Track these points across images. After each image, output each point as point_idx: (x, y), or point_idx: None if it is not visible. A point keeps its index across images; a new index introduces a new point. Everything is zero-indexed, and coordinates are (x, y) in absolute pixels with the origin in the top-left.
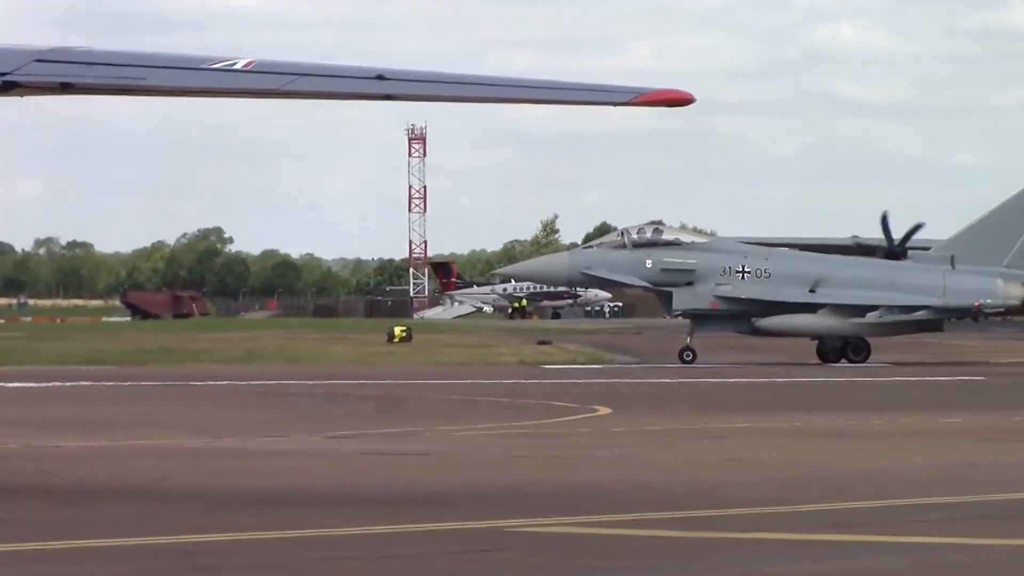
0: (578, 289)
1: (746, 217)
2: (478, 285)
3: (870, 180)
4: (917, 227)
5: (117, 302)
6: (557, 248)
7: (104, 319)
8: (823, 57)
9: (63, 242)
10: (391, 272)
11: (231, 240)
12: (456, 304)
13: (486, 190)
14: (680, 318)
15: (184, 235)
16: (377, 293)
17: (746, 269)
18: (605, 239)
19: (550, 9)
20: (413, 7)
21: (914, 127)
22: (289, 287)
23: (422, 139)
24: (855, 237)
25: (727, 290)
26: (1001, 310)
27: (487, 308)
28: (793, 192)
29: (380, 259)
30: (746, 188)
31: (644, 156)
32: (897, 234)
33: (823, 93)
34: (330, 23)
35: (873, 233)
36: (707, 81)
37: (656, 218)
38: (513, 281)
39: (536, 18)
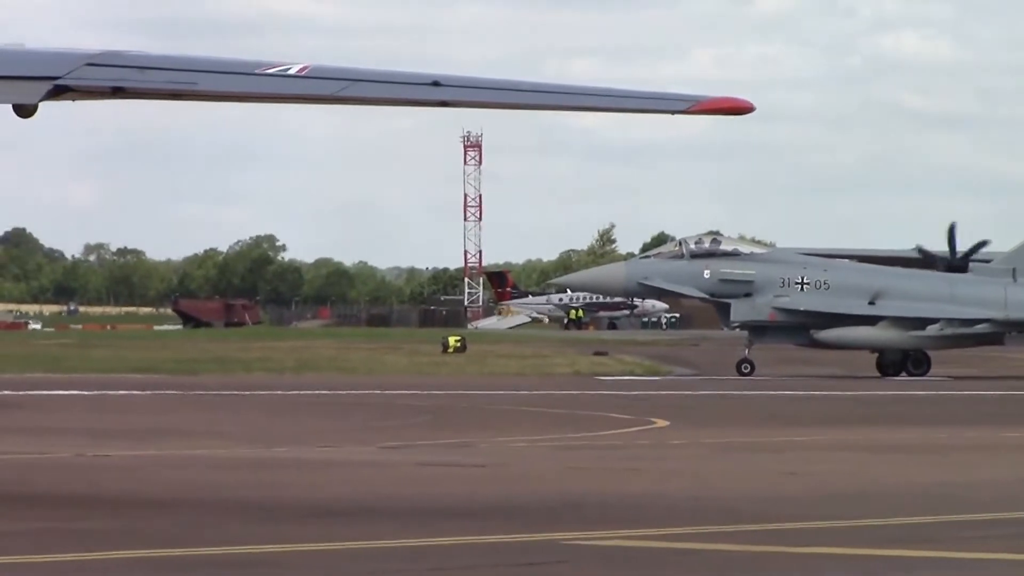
0: (635, 300)
1: (805, 228)
2: (533, 295)
3: (931, 191)
4: (982, 244)
5: (168, 310)
6: (613, 258)
7: (155, 327)
8: (886, 66)
9: (113, 249)
10: (445, 281)
11: (284, 248)
12: (507, 314)
13: (542, 199)
14: (738, 330)
15: (237, 242)
16: (431, 302)
17: (805, 280)
18: (662, 249)
19: (608, 16)
20: (469, 14)
21: (976, 138)
22: (342, 296)
23: (478, 147)
24: (918, 247)
25: (786, 302)
26: None
27: (542, 318)
28: (854, 203)
29: (435, 268)
30: (806, 198)
31: (703, 165)
32: (961, 247)
33: (885, 103)
34: (386, 29)
35: (934, 245)
36: (768, 90)
37: (714, 228)
38: (569, 291)
39: (594, 25)
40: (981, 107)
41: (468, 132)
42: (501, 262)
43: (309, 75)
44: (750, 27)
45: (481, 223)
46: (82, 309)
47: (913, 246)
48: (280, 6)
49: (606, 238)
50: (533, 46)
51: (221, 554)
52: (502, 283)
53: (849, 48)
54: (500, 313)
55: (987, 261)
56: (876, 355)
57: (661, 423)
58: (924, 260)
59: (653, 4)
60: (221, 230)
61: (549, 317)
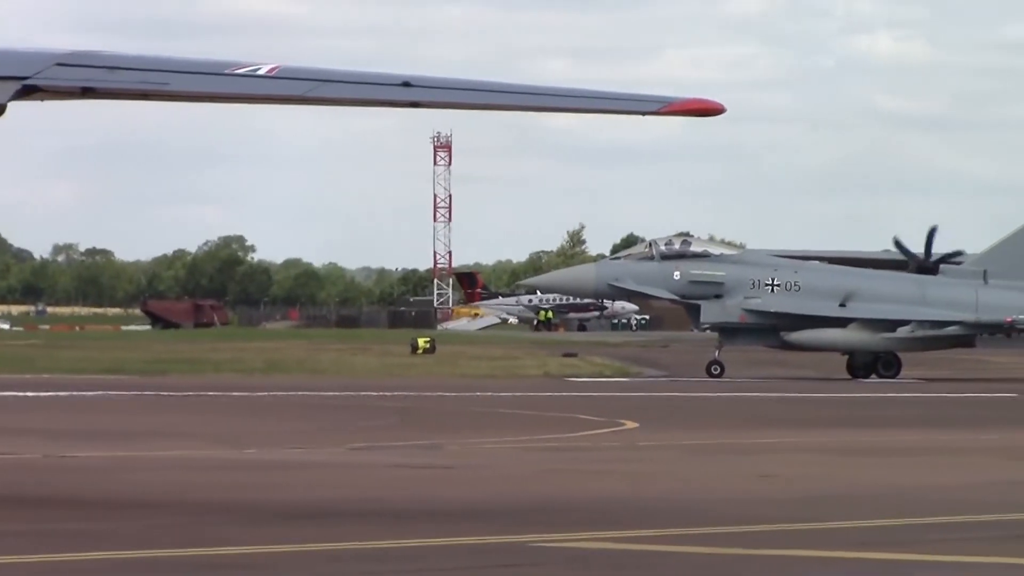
0: (604, 301)
1: (777, 229)
2: (503, 296)
3: (903, 193)
4: (956, 253)
5: (137, 310)
6: (583, 259)
7: (124, 328)
8: (859, 67)
9: (82, 249)
10: (415, 282)
11: (253, 248)
12: (481, 315)
13: (512, 199)
14: (708, 331)
15: (206, 243)
16: (401, 304)
17: (776, 282)
18: (633, 250)
19: (581, 17)
20: (442, 14)
21: (949, 139)
22: (312, 297)
23: (448, 147)
24: (895, 239)
25: (756, 303)
26: None
27: (512, 319)
28: (825, 204)
29: (404, 269)
30: (777, 199)
31: (673, 166)
32: (937, 251)
33: (858, 104)
34: (359, 30)
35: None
36: (741, 91)
37: (684, 229)
38: (539, 292)
39: (567, 26)
40: (954, 108)
41: (438, 133)
42: (471, 263)
43: (279, 76)
44: (723, 28)
45: (451, 224)
46: (50, 310)
47: (883, 248)
48: (252, 6)
49: (576, 239)
50: (506, 47)
51: (191, 556)
52: (472, 284)
53: (822, 49)
54: (454, 315)
55: (958, 263)
56: (847, 357)
57: (631, 425)
58: (901, 252)
59: (626, 5)
60: (190, 231)
61: (519, 318)
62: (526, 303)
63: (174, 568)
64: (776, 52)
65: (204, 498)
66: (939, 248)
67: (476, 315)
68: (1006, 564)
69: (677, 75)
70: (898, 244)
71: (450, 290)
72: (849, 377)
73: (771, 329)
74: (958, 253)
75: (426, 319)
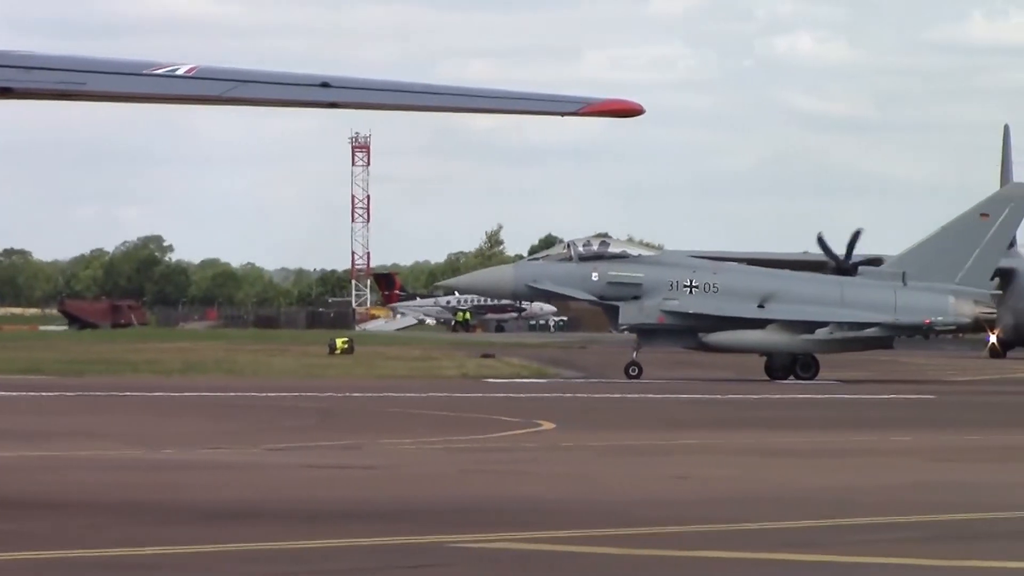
0: (523, 302)
1: (696, 230)
2: (421, 297)
3: (823, 194)
4: (876, 259)
5: (54, 311)
6: (502, 260)
7: (41, 328)
8: (780, 68)
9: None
10: (333, 283)
11: (171, 249)
12: (399, 316)
13: (430, 200)
14: (626, 333)
15: (124, 243)
16: (319, 304)
17: (694, 283)
18: (551, 252)
19: (504, 18)
20: (364, 15)
21: (870, 141)
22: (230, 297)
23: (366, 148)
24: (806, 252)
25: (674, 305)
26: (952, 328)
27: (430, 320)
28: (745, 205)
29: (322, 270)
30: (697, 201)
31: (592, 167)
32: (839, 249)
33: (778, 105)
34: (280, 30)
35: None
36: (662, 91)
37: (603, 230)
38: (457, 293)
39: (489, 27)
40: (875, 110)
41: (356, 133)
42: (389, 264)
43: (197, 76)
44: (643, 29)
45: (369, 225)
46: None
47: (802, 250)
48: (172, 7)
49: (494, 240)
50: (427, 48)
51: (107, 556)
52: (390, 285)
53: (742, 50)
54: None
55: (877, 264)
56: (765, 359)
57: (548, 426)
58: (823, 250)
59: (548, 5)
60: (108, 231)
61: (436, 319)
62: (444, 304)
63: (87, 568)
64: (696, 53)
65: (119, 498)
66: (860, 252)
67: (387, 317)
68: (923, 566)
69: (597, 76)
70: (821, 242)
71: (368, 291)
72: (767, 379)
73: (689, 330)
74: (877, 260)
75: (344, 320)
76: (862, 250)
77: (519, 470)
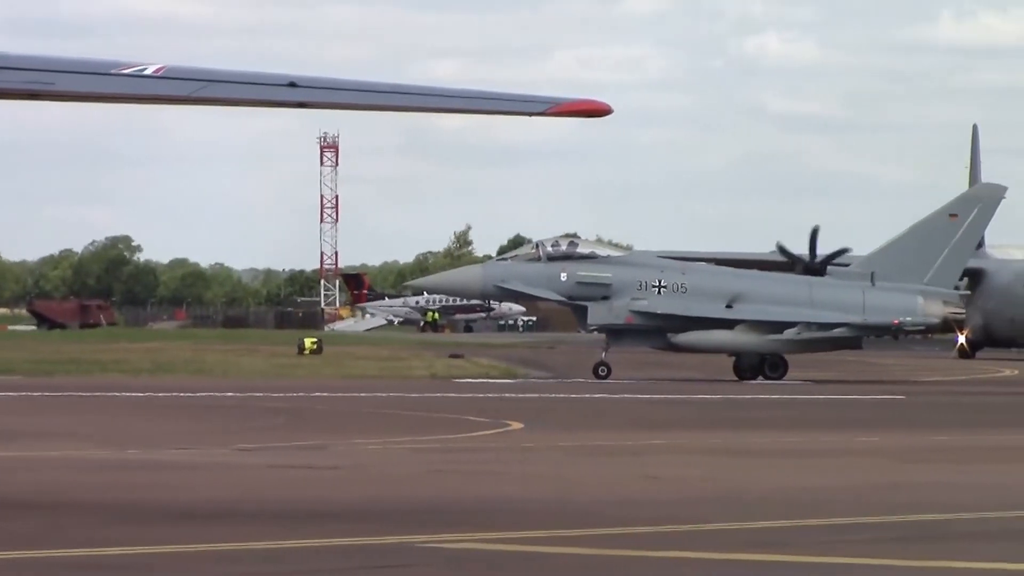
0: (491, 302)
1: (665, 231)
2: (390, 297)
3: (793, 194)
4: (842, 251)
5: (23, 311)
6: (470, 260)
7: (10, 328)
8: (751, 69)
9: None
10: (302, 283)
11: (140, 249)
12: (368, 316)
13: (399, 200)
14: (595, 333)
15: (92, 243)
16: (287, 304)
17: (663, 284)
18: (519, 252)
19: (473, 18)
20: (334, 15)
21: (840, 141)
22: (198, 297)
23: (335, 148)
24: (778, 244)
25: (643, 305)
26: (921, 328)
27: (397, 320)
28: (715, 206)
29: (291, 270)
30: (666, 201)
31: (561, 167)
32: (822, 252)
33: (748, 105)
34: (250, 30)
35: (795, 248)
36: (630, 92)
37: (571, 231)
38: (425, 293)
39: (458, 26)
40: (844, 110)
41: (325, 133)
42: (357, 264)
43: (165, 76)
44: (612, 29)
45: (337, 225)
46: None
47: (771, 250)
48: (141, 7)
49: (463, 240)
50: (397, 47)
51: (77, 556)
52: (358, 285)
53: (712, 50)
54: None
55: (846, 265)
56: (733, 359)
57: (516, 426)
58: (784, 256)
59: (518, 5)
60: (77, 231)
61: (405, 319)
62: (413, 304)
63: (57, 569)
64: (666, 53)
65: (88, 499)
66: (823, 247)
67: (350, 316)
68: (892, 566)
69: (566, 76)
70: (782, 249)
71: (337, 291)
72: (736, 379)
73: (658, 331)
74: (844, 251)
75: (313, 320)
76: (826, 246)
77: (488, 470)
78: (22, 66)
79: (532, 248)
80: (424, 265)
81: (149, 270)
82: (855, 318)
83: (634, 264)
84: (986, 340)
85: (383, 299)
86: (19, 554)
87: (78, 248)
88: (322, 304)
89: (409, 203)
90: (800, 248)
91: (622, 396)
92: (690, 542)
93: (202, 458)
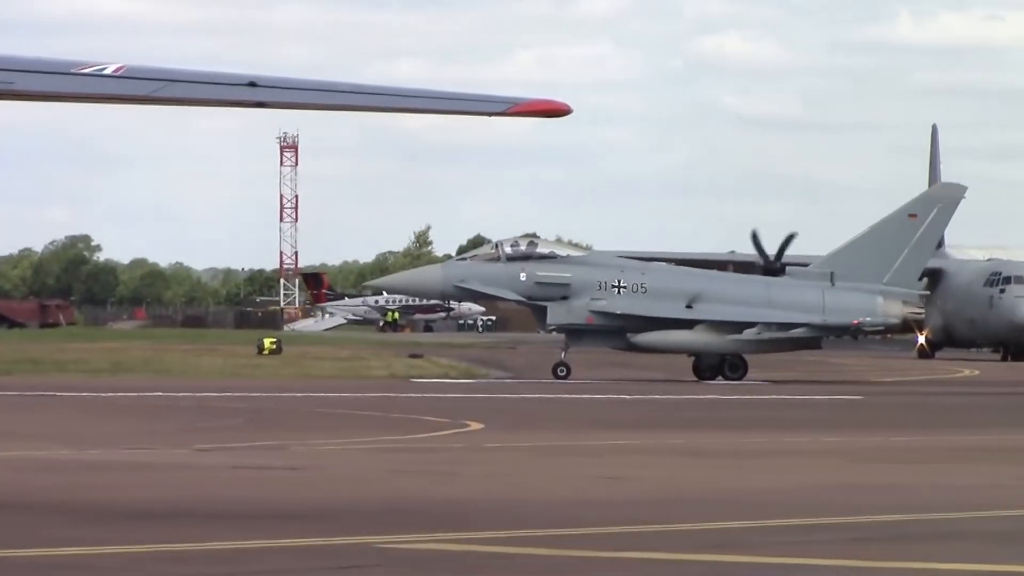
0: (451, 302)
1: (625, 231)
2: (349, 297)
3: (752, 194)
4: (790, 238)
5: None
6: (430, 260)
7: None
8: (708, 69)
9: None
10: (261, 283)
11: (99, 248)
12: (327, 316)
13: (359, 200)
14: (554, 333)
15: (52, 242)
16: (247, 304)
17: (622, 284)
18: (479, 252)
19: (433, 17)
20: (293, 14)
21: (798, 141)
22: (158, 297)
23: (294, 148)
24: (733, 252)
25: (602, 305)
26: (881, 328)
27: (355, 319)
28: (675, 206)
29: (251, 269)
30: (626, 201)
31: (520, 167)
32: (771, 249)
33: (707, 105)
34: (208, 29)
35: (754, 251)
36: (590, 92)
37: (531, 231)
38: (385, 293)
39: (418, 26)
40: (804, 110)
41: (284, 133)
42: (317, 263)
43: (125, 75)
44: (572, 29)
45: (297, 224)
46: None
47: (729, 250)
48: (100, 6)
49: (423, 240)
50: (357, 47)
51: (36, 556)
52: (318, 285)
53: (671, 50)
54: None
55: (805, 264)
56: (693, 359)
57: (476, 426)
58: (755, 247)
59: (477, 5)
60: (36, 230)
61: (365, 319)
62: (372, 304)
63: (15, 568)
64: (625, 53)
65: (47, 499)
66: (790, 254)
67: (300, 315)
68: (850, 567)
69: (526, 76)
70: (755, 240)
71: (296, 291)
72: (695, 379)
73: (618, 331)
74: (791, 237)
75: (272, 320)
76: (792, 252)
77: (447, 471)
78: None
79: (492, 248)
80: (384, 265)
81: (109, 269)
82: (815, 318)
83: (593, 264)
84: (946, 340)
85: (343, 299)
86: None
87: (38, 247)
88: (282, 304)
89: (369, 203)
90: (766, 253)
91: (582, 396)
92: (650, 543)
93: (161, 458)
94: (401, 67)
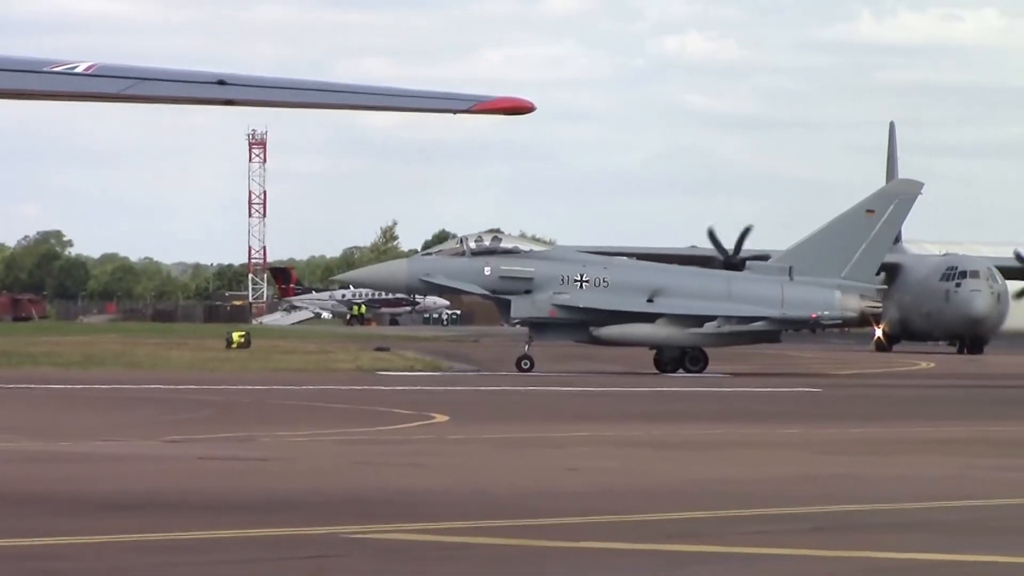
0: (416, 296)
1: (588, 227)
2: (317, 291)
3: (713, 191)
4: (747, 230)
5: None
6: (396, 255)
7: None
8: (670, 67)
9: None
10: (230, 277)
11: (71, 243)
12: (294, 311)
13: (326, 196)
14: (518, 326)
15: (24, 238)
16: (216, 298)
17: (584, 278)
18: (444, 246)
19: (400, 16)
20: (261, 13)
21: (757, 138)
22: (128, 291)
23: (263, 144)
24: (694, 247)
25: (565, 299)
26: (839, 322)
27: (325, 314)
28: (636, 202)
29: (219, 264)
30: (588, 197)
31: (485, 164)
32: (728, 244)
33: (668, 103)
34: (178, 29)
35: (714, 244)
36: (554, 90)
37: (496, 226)
38: (352, 287)
39: (384, 25)
40: (764, 108)
41: (253, 130)
42: (285, 258)
43: (95, 73)
44: (537, 28)
45: (266, 220)
46: None
47: (690, 245)
48: (71, 5)
49: (389, 235)
50: (325, 46)
51: (5, 547)
52: (286, 279)
53: (634, 49)
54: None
55: (765, 257)
56: (654, 352)
57: (441, 418)
58: (712, 243)
59: (442, 4)
60: (8, 225)
61: (332, 313)
62: (339, 298)
63: None
64: (589, 52)
65: (17, 490)
66: (748, 248)
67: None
68: (806, 556)
69: (491, 74)
70: (712, 236)
71: (265, 285)
72: (657, 372)
73: (580, 324)
74: (748, 229)
75: (241, 314)
76: (749, 246)
77: (413, 462)
78: None
79: (456, 243)
80: (351, 260)
81: (80, 264)
82: (774, 312)
83: (556, 259)
84: (903, 334)
85: (310, 293)
86: None
87: (10, 243)
88: (250, 298)
89: (336, 199)
90: (726, 243)
91: (545, 389)
92: (611, 533)
93: (130, 450)
94: (368, 65)
